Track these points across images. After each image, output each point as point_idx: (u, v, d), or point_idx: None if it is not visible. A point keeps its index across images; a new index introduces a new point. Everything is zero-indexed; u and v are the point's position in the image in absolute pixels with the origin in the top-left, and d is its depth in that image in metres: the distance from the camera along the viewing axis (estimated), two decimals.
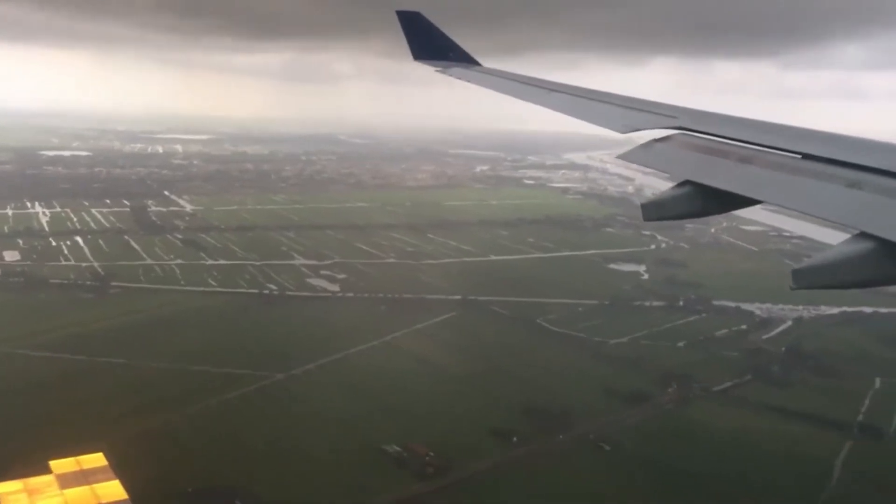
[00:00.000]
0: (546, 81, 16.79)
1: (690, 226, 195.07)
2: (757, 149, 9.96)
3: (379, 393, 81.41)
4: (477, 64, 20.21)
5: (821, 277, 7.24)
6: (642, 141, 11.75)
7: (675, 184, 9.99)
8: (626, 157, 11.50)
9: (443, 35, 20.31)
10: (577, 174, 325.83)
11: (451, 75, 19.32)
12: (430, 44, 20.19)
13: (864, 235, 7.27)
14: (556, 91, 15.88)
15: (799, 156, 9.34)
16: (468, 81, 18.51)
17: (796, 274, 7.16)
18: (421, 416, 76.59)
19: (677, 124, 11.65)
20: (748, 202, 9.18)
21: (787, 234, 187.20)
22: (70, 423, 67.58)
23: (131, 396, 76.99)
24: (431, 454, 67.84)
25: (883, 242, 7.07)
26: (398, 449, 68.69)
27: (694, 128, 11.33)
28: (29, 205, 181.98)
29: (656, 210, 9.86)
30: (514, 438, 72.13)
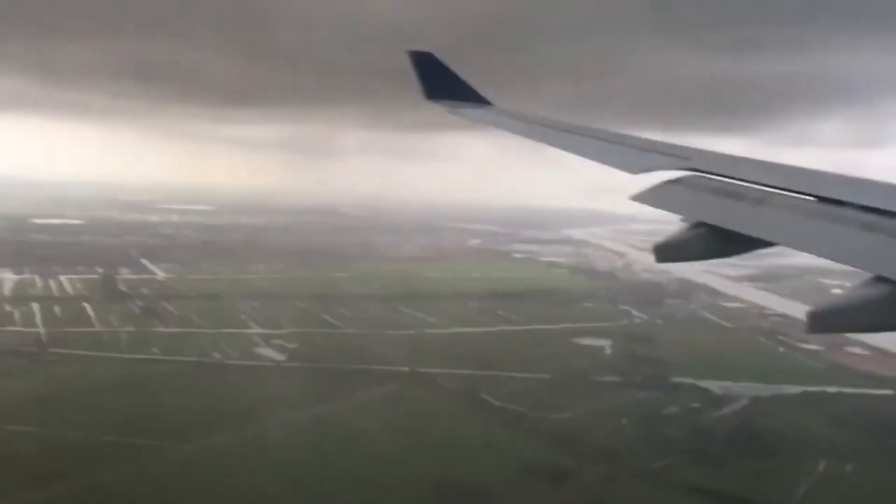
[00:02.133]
0: (559, 122, 16.20)
1: (670, 301, 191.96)
2: (771, 191, 9.84)
3: (286, 468, 77.66)
4: (489, 105, 19.68)
5: (838, 321, 7.14)
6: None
7: (687, 226, 9.87)
8: (637, 198, 11.34)
9: (455, 76, 19.89)
10: (569, 249, 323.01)
11: (463, 116, 18.89)
12: (442, 84, 19.77)
13: (880, 279, 7.04)
14: (569, 132, 15.26)
15: (814, 198, 9.19)
16: (480, 122, 18.21)
17: (812, 317, 6.91)
18: (325, 495, 72.89)
19: (690, 165, 11.50)
20: (761, 244, 9.06)
21: (768, 311, 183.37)
22: None
23: (23, 468, 73.83)
24: None
25: None
26: None
27: (707, 169, 11.24)
28: None
29: (669, 252, 9.77)
30: None
